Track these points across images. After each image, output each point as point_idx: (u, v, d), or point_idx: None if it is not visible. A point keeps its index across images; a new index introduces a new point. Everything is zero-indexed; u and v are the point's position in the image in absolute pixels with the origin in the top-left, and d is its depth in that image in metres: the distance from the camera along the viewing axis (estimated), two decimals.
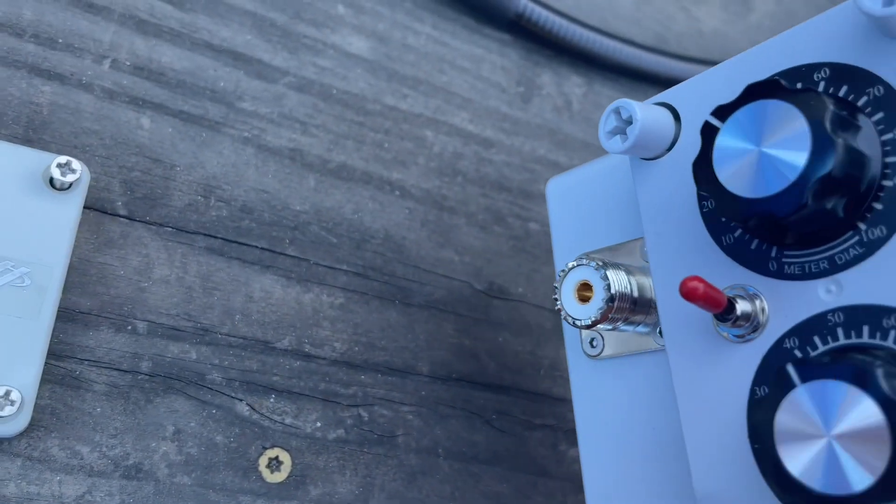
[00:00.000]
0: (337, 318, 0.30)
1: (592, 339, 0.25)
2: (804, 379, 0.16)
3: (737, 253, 0.20)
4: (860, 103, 0.19)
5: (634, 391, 0.24)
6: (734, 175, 0.19)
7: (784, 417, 0.17)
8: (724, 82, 0.21)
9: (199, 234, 0.28)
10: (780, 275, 0.20)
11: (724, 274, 0.20)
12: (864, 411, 0.15)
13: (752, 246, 0.20)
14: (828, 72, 0.19)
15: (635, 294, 0.23)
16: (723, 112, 0.19)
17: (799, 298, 0.19)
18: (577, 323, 0.23)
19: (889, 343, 0.17)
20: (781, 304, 0.19)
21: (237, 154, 0.30)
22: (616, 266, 0.23)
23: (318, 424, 0.29)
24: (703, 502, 0.20)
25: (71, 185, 0.25)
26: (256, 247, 0.29)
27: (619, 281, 0.23)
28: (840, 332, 0.18)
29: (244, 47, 0.31)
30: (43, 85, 0.27)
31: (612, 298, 0.22)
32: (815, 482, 0.16)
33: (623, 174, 0.25)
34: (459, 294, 0.33)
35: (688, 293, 0.18)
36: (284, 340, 0.29)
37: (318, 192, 0.31)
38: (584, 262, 0.23)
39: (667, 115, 0.22)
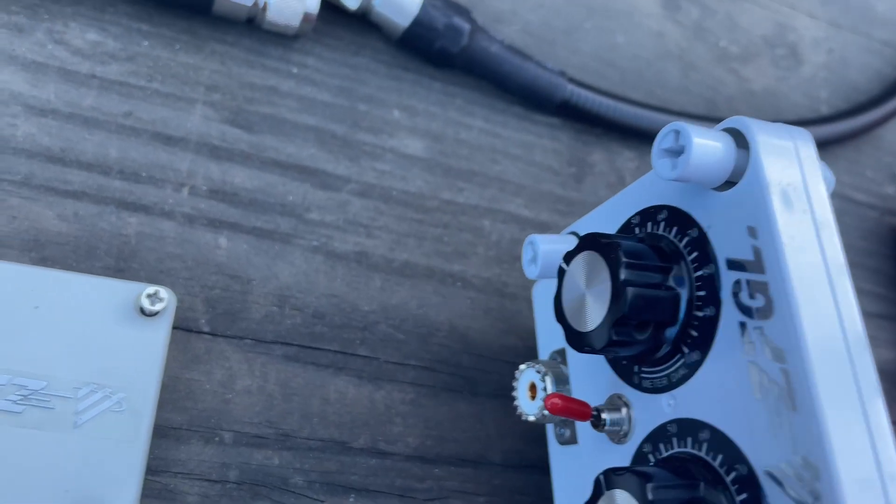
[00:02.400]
0: (408, 413, 0.31)
1: (559, 429, 0.29)
2: (608, 487, 0.20)
3: (616, 367, 0.24)
4: (683, 243, 0.22)
5: (591, 473, 0.28)
6: (572, 311, 0.22)
7: None
8: (608, 216, 0.25)
9: (276, 343, 0.30)
10: (640, 388, 0.23)
11: (610, 384, 0.24)
12: None
13: (624, 362, 0.24)
14: (666, 213, 0.23)
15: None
16: (568, 258, 0.23)
17: (652, 409, 0.22)
18: (525, 417, 0.27)
19: (702, 453, 0.20)
20: (642, 414, 0.23)
21: (307, 263, 0.32)
22: (560, 370, 0.27)
23: None
24: None
25: (159, 311, 0.27)
26: (329, 350, 0.31)
27: (554, 384, 0.27)
28: (675, 441, 0.21)
29: (309, 160, 0.33)
30: (129, 217, 0.30)
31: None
32: None
33: None
34: None
35: (549, 408, 0.22)
36: (360, 439, 0.30)
37: (384, 290, 0.33)
38: (532, 365, 0.27)
39: (574, 242, 0.26)
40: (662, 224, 0.23)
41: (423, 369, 0.32)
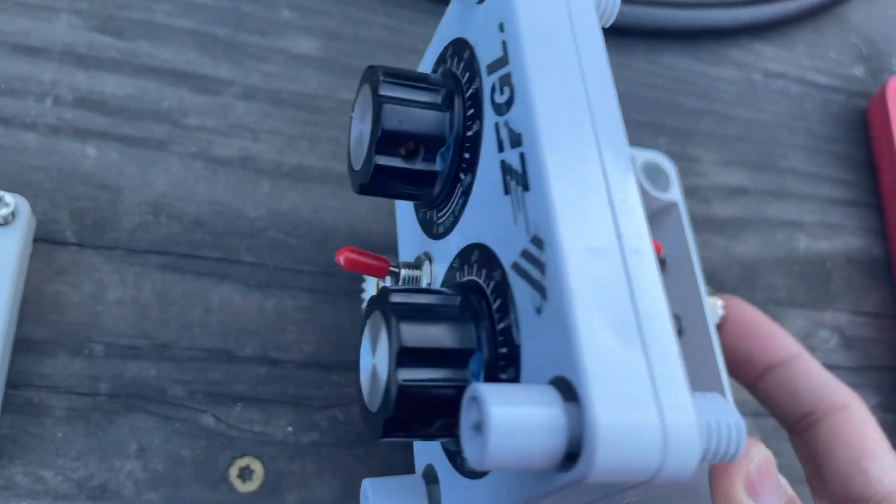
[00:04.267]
0: (303, 320, 0.30)
1: None
2: (369, 313, 0.19)
3: (423, 226, 0.23)
4: (460, 68, 0.21)
5: None
6: (354, 153, 0.21)
7: (364, 339, 0.19)
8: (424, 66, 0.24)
9: (151, 252, 0.29)
10: (438, 236, 0.22)
11: (420, 244, 0.23)
12: (384, 345, 0.18)
13: (427, 216, 0.23)
14: (451, 48, 0.22)
15: None
16: (353, 104, 0.22)
17: (445, 253, 0.21)
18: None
19: (474, 276, 0.19)
20: (440, 263, 0.22)
21: (185, 170, 0.30)
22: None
23: (290, 430, 0.28)
24: None
25: (12, 216, 0.26)
26: (211, 258, 0.29)
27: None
28: (457, 275, 0.20)
29: (186, 65, 0.31)
30: None
31: None
32: (365, 393, 0.19)
33: None
34: None
35: (344, 264, 0.22)
36: (247, 348, 0.29)
37: (272, 196, 0.31)
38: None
39: None
40: (451, 59, 0.22)
41: (319, 275, 0.30)
